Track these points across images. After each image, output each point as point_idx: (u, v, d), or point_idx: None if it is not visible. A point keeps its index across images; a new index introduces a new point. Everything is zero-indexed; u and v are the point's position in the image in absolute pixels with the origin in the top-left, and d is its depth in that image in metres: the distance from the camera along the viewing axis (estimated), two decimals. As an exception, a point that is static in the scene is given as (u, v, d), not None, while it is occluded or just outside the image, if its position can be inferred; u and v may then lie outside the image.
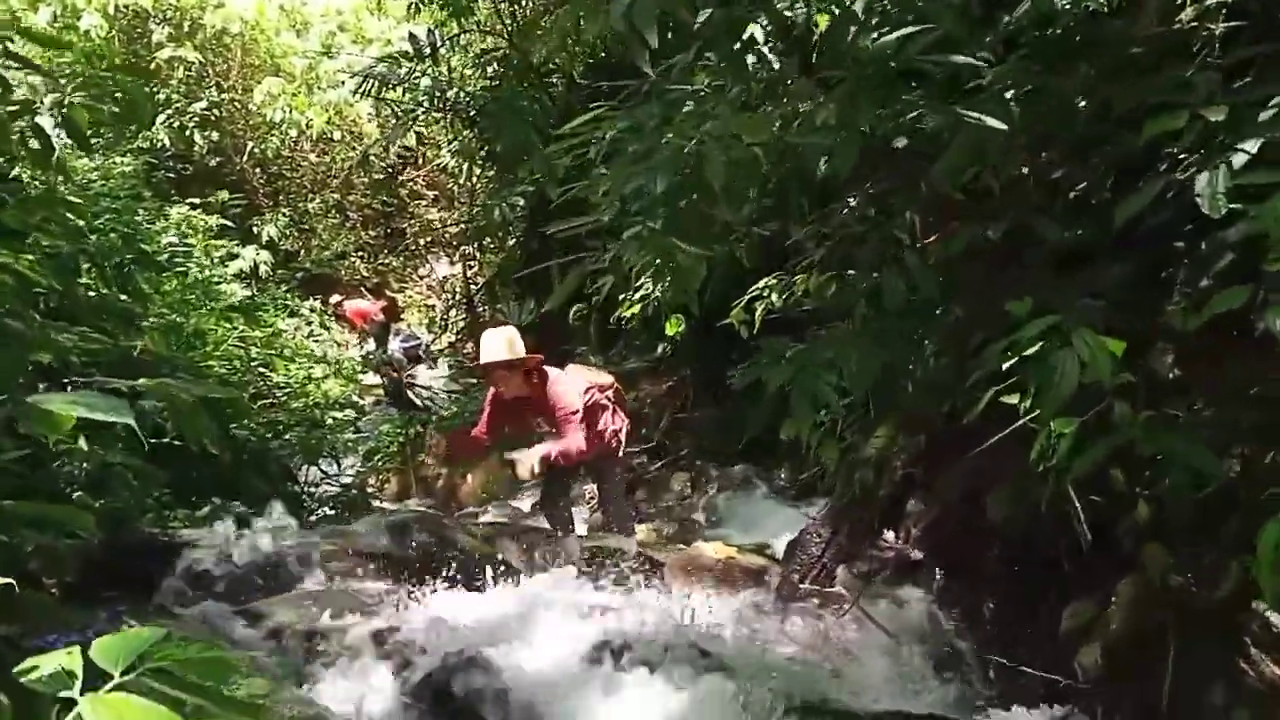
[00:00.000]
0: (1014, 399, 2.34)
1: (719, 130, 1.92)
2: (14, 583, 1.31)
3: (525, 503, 7.71)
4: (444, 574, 3.67)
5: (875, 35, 2.10)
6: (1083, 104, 2.35)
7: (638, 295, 3.81)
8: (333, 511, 6.37)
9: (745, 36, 2.18)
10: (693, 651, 3.02)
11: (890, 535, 5.20)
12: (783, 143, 2.05)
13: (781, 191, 2.71)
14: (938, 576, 4.74)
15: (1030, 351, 2.06)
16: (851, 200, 3.43)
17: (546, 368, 5.19)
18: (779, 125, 2.08)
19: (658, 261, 2.19)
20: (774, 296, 4.58)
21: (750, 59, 2.20)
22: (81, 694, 1.36)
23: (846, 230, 3.08)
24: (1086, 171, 2.69)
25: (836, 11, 2.26)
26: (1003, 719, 3.39)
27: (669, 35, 2.71)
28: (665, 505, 6.87)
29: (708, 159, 1.87)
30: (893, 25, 2.17)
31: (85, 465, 3.71)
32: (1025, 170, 2.62)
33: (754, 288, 4.61)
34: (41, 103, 3.10)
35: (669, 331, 3.45)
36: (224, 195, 9.87)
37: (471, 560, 3.99)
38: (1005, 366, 2.33)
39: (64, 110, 3.21)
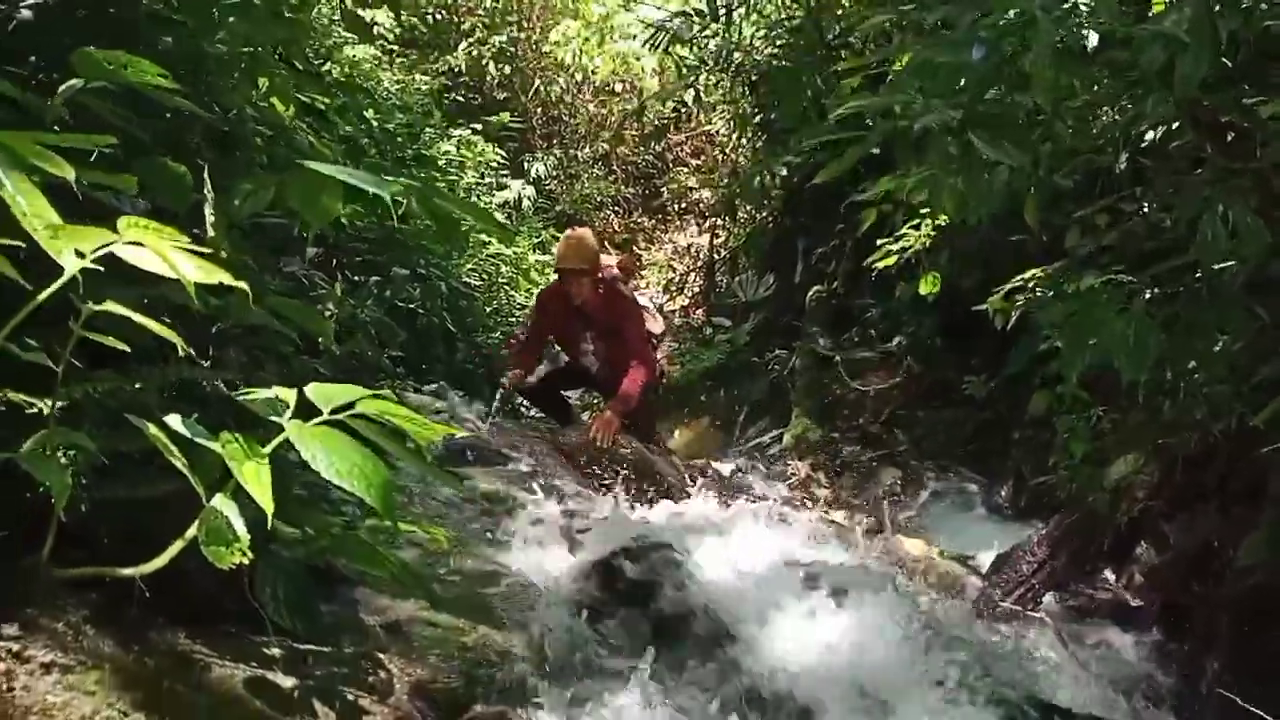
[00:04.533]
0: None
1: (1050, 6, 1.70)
2: (247, 289, 1.33)
3: (726, 466, 7.67)
4: (641, 485, 3.65)
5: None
6: None
7: (897, 245, 3.59)
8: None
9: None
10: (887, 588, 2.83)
11: (1110, 574, 4.79)
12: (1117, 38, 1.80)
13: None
14: (1155, 630, 4.31)
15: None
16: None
17: (617, 284, 4.84)
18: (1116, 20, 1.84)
19: (951, 165, 1.98)
20: (1038, 291, 4.22)
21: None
22: (290, 420, 1.39)
23: (1153, 215, 2.75)
24: None
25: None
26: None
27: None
28: (870, 497, 6.59)
29: (1042, 33, 1.66)
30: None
31: (334, 310, 3.93)
32: None
33: (1019, 277, 4.27)
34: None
35: (923, 290, 3.22)
36: (505, 116, 10.29)
37: (667, 482, 3.95)
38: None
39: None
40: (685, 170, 14.78)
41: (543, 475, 3.44)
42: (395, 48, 10.14)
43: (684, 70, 10.12)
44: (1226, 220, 2.33)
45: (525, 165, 12.76)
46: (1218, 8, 1.75)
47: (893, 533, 5.53)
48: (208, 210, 1.72)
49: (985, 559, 5.59)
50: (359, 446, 1.26)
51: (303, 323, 2.37)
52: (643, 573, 2.46)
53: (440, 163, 7.61)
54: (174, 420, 1.34)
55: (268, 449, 1.33)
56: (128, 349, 1.31)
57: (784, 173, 9.37)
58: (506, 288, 8.09)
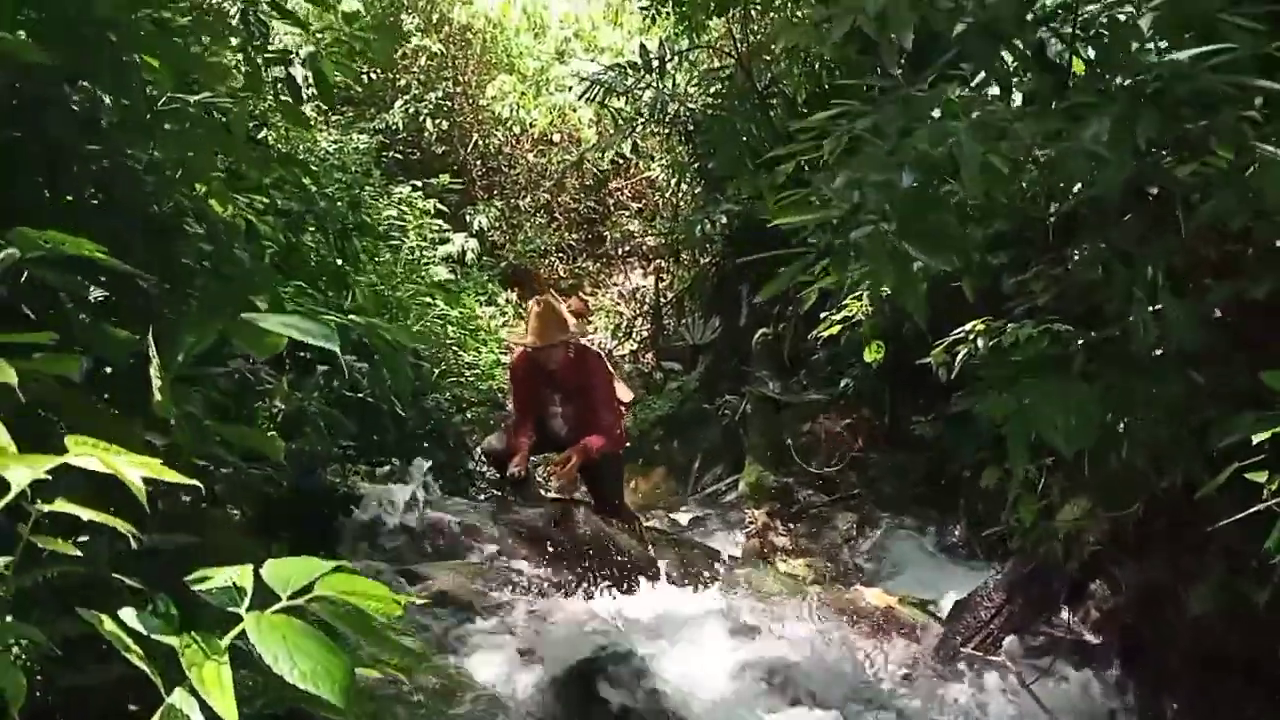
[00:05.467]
0: (1260, 476, 2.08)
1: (979, 130, 1.78)
2: (200, 485, 1.33)
3: (684, 516, 7.70)
4: (603, 571, 3.64)
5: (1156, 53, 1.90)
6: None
7: (840, 315, 3.65)
8: (499, 494, 6.49)
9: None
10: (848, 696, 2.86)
11: (1067, 614, 4.88)
12: (1036, 158, 1.89)
13: (1021, 218, 2.52)
14: (1114, 666, 4.40)
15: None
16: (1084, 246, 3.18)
17: (584, 343, 4.90)
18: (1035, 141, 1.92)
19: (885, 267, 2.06)
20: (979, 341, 4.31)
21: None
22: (248, 612, 1.37)
23: (1082, 274, 2.84)
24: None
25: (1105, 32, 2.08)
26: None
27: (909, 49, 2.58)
28: (827, 543, 6.65)
29: (966, 155, 1.73)
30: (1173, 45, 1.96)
31: (282, 406, 3.88)
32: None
33: (960, 329, 4.36)
34: (297, 54, 3.30)
35: (867, 358, 3.28)
36: (445, 179, 10.31)
37: (629, 561, 3.95)
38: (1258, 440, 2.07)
39: (317, 64, 3.40)
40: (627, 214, 14.90)
41: (507, 565, 3.42)
42: (330, 106, 10.11)
43: (620, 122, 10.23)
44: (1154, 288, 2.42)
45: (467, 218, 12.76)
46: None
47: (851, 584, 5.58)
48: (152, 371, 1.71)
49: (944, 602, 5.67)
50: (321, 640, 1.25)
51: (253, 446, 2.36)
52: (611, 690, 2.45)
53: (381, 228, 7.58)
54: (128, 615, 1.32)
55: (225, 641, 1.31)
56: (78, 551, 1.29)
57: (724, 220, 9.48)
58: (454, 348, 8.06)
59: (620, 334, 12.34)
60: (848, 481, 7.23)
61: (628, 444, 4.79)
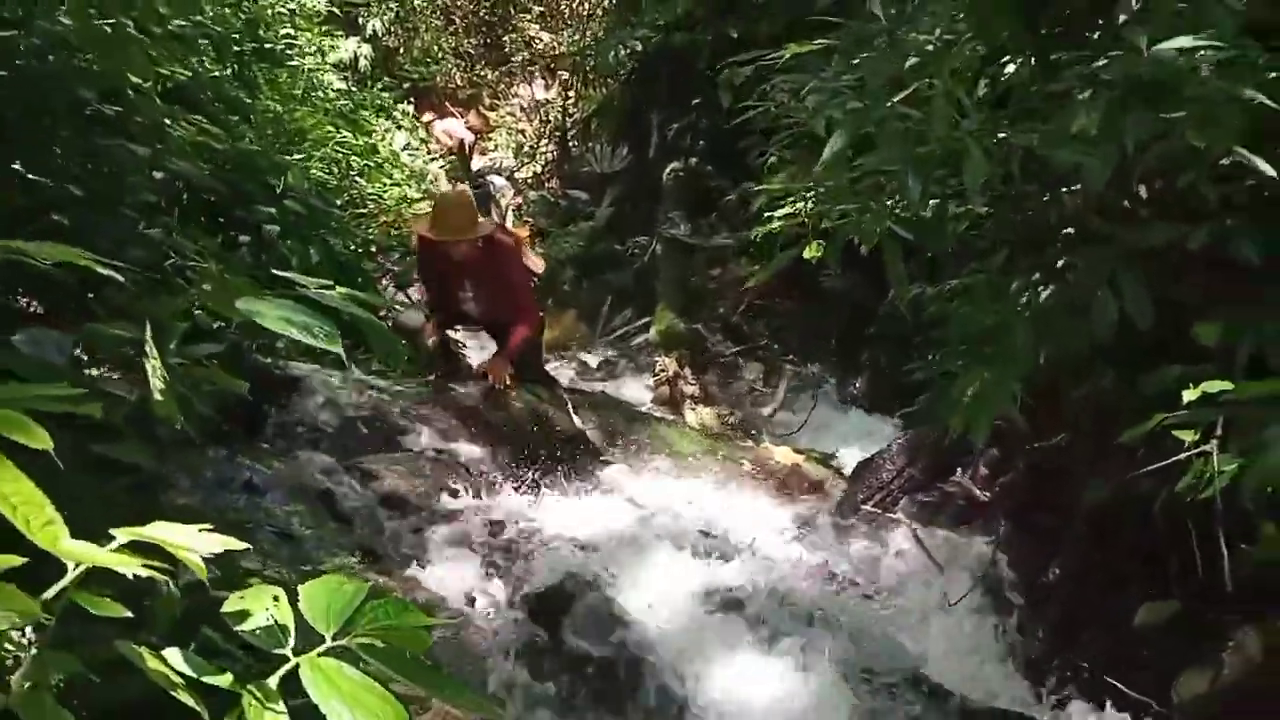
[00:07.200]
0: (1188, 435, 2.27)
1: (978, 129, 1.78)
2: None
3: (594, 359, 7.81)
4: (540, 452, 3.72)
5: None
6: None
7: (780, 213, 3.66)
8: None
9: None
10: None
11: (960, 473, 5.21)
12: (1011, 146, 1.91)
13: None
14: (1003, 525, 4.72)
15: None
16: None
17: (493, 234, 4.62)
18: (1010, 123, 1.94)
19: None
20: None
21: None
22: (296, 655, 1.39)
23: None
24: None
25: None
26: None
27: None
28: (734, 393, 6.90)
29: (970, 157, 1.75)
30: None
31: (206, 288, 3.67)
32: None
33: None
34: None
35: (807, 254, 3.31)
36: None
37: (564, 440, 4.04)
38: (1189, 400, 2.24)
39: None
40: (528, 18, 14.15)
41: (451, 452, 3.46)
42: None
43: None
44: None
45: (360, 20, 11.93)
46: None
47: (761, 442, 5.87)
48: (150, 368, 1.66)
49: (845, 454, 6.03)
50: (378, 691, 1.31)
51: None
52: (577, 622, 2.56)
53: (279, 48, 7.05)
54: (174, 655, 1.35)
55: (272, 679, 1.36)
56: (128, 612, 1.30)
57: (639, 47, 9.14)
58: (359, 179, 7.72)
59: (524, 155, 11.98)
60: (756, 330, 7.41)
61: (542, 314, 4.75)
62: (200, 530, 1.33)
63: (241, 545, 1.33)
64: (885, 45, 2.21)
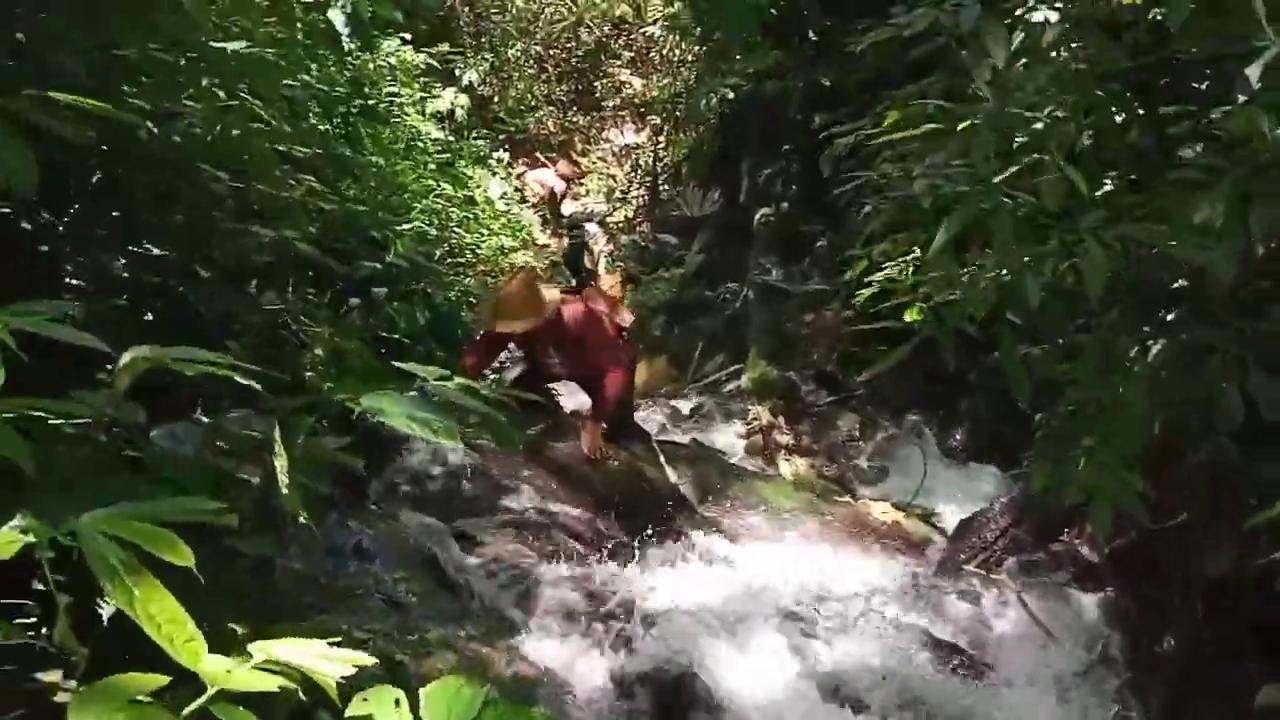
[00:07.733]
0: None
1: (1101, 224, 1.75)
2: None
3: (685, 405, 7.81)
4: (640, 512, 3.73)
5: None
6: None
7: (879, 276, 3.62)
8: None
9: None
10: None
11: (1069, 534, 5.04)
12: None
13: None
14: (1112, 589, 4.56)
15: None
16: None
17: (565, 305, 4.53)
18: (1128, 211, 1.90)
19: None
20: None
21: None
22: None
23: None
24: None
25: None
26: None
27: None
28: (830, 443, 6.81)
29: (1090, 256, 1.71)
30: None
31: (320, 353, 3.78)
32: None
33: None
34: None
35: (908, 318, 3.26)
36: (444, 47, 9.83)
37: (661, 499, 4.04)
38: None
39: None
40: (619, 63, 14.37)
41: (549, 514, 3.50)
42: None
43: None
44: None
45: (456, 72, 12.27)
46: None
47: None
48: (279, 465, 1.73)
49: (946, 511, 5.89)
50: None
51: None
52: (680, 707, 2.55)
53: (382, 106, 7.30)
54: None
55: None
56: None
57: (730, 95, 9.18)
58: (457, 229, 7.92)
59: (615, 200, 12.12)
60: (850, 378, 7.30)
61: (633, 361, 4.71)
62: (330, 644, 1.38)
63: (368, 660, 1.37)
64: (990, 125, 2.18)
